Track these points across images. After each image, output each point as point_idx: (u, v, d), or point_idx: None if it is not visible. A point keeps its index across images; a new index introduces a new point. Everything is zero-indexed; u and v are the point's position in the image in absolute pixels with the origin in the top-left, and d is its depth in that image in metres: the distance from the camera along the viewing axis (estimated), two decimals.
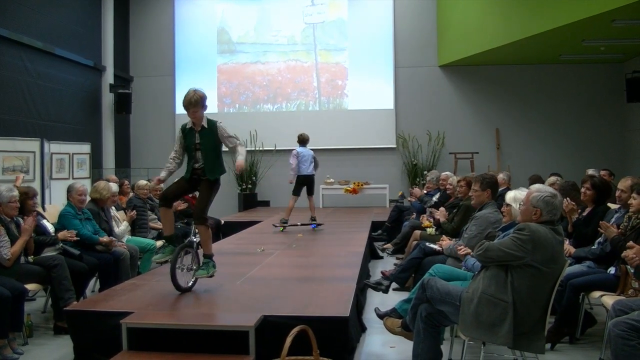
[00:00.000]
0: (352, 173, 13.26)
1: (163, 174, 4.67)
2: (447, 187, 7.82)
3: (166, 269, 4.84)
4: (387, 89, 13.89)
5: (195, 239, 4.74)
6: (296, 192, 8.56)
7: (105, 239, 6.04)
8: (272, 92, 14.34)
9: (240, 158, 4.54)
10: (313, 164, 8.56)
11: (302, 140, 8.63)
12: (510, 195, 4.41)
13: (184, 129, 4.61)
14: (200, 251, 4.77)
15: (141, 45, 14.57)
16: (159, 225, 7.84)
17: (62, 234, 5.67)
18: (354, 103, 14.07)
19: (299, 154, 8.47)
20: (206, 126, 4.53)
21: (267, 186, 13.84)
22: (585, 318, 4.74)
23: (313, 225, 8.76)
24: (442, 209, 6.71)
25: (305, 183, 8.55)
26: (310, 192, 8.67)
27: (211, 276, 4.65)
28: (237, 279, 5.07)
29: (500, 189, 6.91)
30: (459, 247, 4.95)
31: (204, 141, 4.53)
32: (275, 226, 8.70)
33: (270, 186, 13.78)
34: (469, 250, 5.39)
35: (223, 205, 12.92)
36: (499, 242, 3.52)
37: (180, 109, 13.95)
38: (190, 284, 4.62)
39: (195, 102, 4.42)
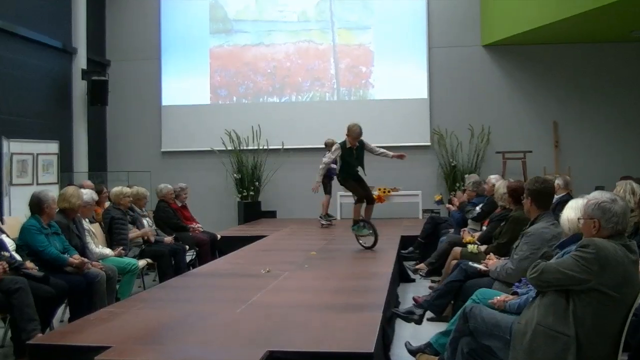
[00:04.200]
0: (377, 177, 13.18)
1: (318, 178, 8.63)
2: (493, 193, 7.78)
3: (149, 294, 5.86)
4: (419, 74, 13.86)
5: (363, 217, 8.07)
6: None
7: (75, 259, 6.03)
8: (278, 82, 14.29)
9: (390, 153, 8.24)
10: None
11: None
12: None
13: (343, 147, 7.94)
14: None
15: (120, 23, 14.65)
16: (142, 235, 7.95)
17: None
18: (380, 92, 14.05)
19: None
20: (358, 145, 7.94)
21: (273, 193, 13.88)
22: None
23: None
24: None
25: None
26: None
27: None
28: (237, 307, 5.08)
29: (557, 196, 6.85)
30: (487, 260, 5.41)
31: (358, 154, 8.03)
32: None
33: (277, 193, 13.81)
34: (495, 260, 5.39)
35: (219, 216, 12.99)
36: (557, 262, 3.50)
37: (167, 101, 14.24)
38: (367, 244, 7.97)
39: (360, 135, 7.85)
